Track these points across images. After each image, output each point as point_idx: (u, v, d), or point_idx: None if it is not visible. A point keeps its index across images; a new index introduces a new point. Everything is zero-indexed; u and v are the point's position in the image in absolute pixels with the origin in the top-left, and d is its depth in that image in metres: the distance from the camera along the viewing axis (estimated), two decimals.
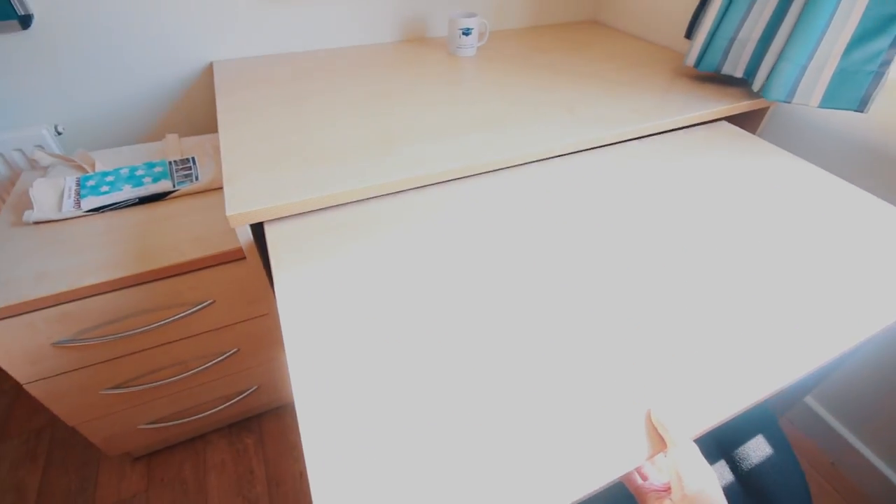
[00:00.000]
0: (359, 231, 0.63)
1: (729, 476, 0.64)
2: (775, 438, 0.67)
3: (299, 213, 0.66)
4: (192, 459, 1.06)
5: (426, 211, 0.67)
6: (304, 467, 1.03)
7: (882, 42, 0.77)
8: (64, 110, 1.00)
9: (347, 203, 0.68)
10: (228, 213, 0.61)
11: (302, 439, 0.41)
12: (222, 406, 1.00)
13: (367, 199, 0.69)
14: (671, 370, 0.46)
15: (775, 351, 0.48)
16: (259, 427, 1.12)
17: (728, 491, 0.63)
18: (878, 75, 0.79)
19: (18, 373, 0.75)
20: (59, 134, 1.01)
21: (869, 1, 0.75)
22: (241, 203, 0.63)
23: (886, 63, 0.78)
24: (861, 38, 0.78)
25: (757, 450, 0.65)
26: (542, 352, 0.48)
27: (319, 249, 0.60)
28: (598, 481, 0.38)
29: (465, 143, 0.76)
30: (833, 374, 1.01)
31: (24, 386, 0.77)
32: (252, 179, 0.67)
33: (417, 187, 0.72)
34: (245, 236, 0.66)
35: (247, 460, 1.06)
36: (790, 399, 1.02)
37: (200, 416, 0.99)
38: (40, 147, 0.98)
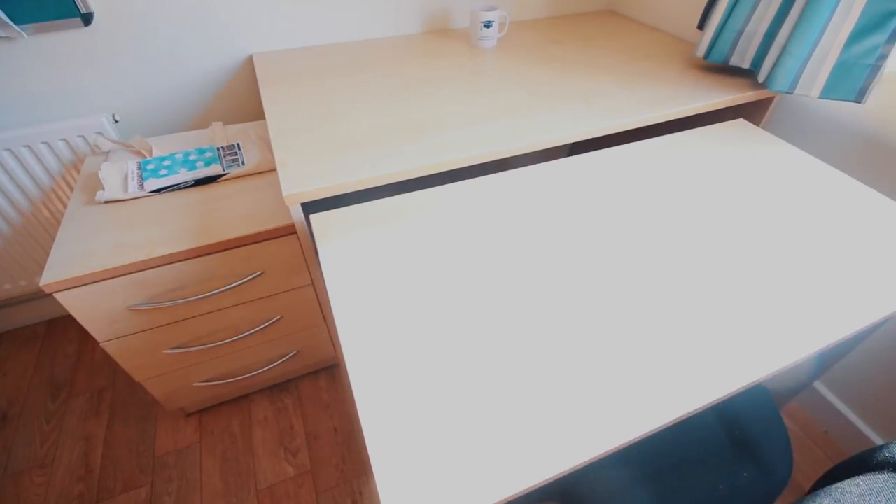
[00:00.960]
0: (391, 215, 0.72)
1: (720, 431, 0.73)
2: (763, 401, 0.75)
3: (340, 195, 0.75)
4: (239, 416, 1.18)
5: (452, 200, 0.76)
6: (338, 424, 1.15)
7: (879, 37, 0.82)
8: (120, 100, 1.10)
9: (381, 191, 0.77)
10: (284, 193, 0.70)
11: (350, 377, 0.50)
12: (265, 368, 1.11)
13: (400, 191, 0.78)
14: (693, 346, 0.55)
15: (779, 335, 0.56)
16: (297, 389, 1.23)
17: (717, 443, 0.72)
18: (876, 68, 0.84)
19: (98, 332, 0.86)
20: (117, 122, 1.11)
21: None
22: (294, 185, 0.72)
23: (883, 57, 0.83)
24: (860, 32, 0.83)
25: (746, 410, 0.73)
26: (564, 324, 0.57)
27: (357, 228, 0.69)
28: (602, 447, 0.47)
29: (488, 131, 0.84)
30: (839, 361, 1.08)
31: (101, 344, 0.88)
32: (300, 164, 0.76)
33: (443, 179, 0.80)
34: (297, 214, 0.75)
35: (287, 417, 1.18)
36: (798, 385, 1.09)
37: (247, 376, 1.10)
38: (100, 134, 1.08)
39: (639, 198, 0.75)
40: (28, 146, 1.04)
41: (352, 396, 1.19)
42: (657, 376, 0.51)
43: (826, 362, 0.87)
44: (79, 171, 1.11)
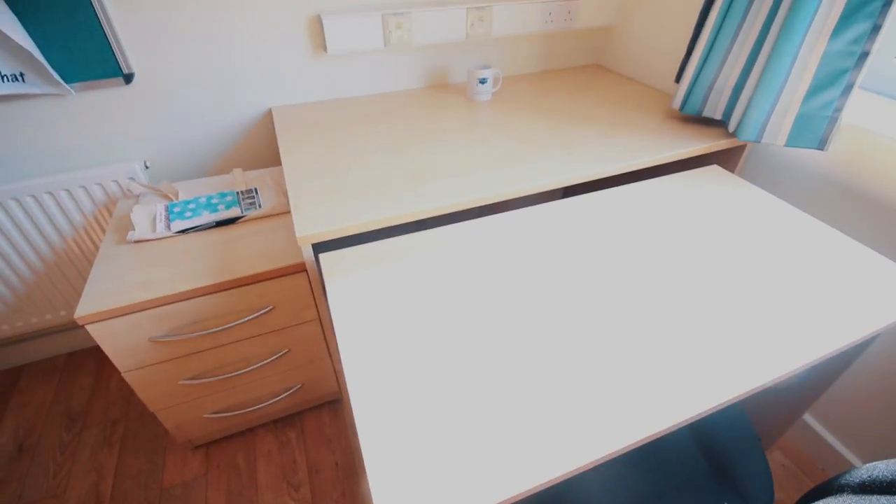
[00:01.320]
0: (394, 254, 0.79)
1: (702, 459, 0.77)
2: (743, 429, 0.79)
3: (347, 236, 0.83)
4: (244, 449, 1.21)
5: (451, 241, 0.83)
6: (339, 458, 1.18)
7: (834, 92, 0.92)
8: (151, 148, 1.21)
9: (385, 233, 0.85)
10: (298, 234, 0.78)
11: (352, 402, 0.56)
12: (271, 401, 1.16)
13: (403, 232, 0.86)
14: (662, 373, 0.61)
15: (750, 359, 0.62)
16: (300, 423, 1.27)
17: (699, 471, 0.76)
18: (833, 119, 0.93)
19: (121, 362, 0.93)
20: (147, 168, 1.22)
21: (821, 58, 0.90)
22: (306, 227, 0.80)
23: (839, 109, 0.92)
24: (816, 88, 0.93)
25: (725, 438, 0.77)
26: (555, 350, 0.63)
27: (363, 266, 0.76)
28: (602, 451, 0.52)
29: (484, 178, 0.93)
30: (823, 392, 1.12)
31: (123, 374, 0.94)
32: (312, 208, 0.85)
33: (442, 221, 0.88)
34: (308, 254, 0.83)
35: (290, 451, 1.21)
36: (784, 418, 1.11)
37: (254, 408, 1.15)
38: (132, 179, 1.18)
39: (626, 236, 0.82)
40: (67, 190, 1.14)
41: (353, 427, 1.23)
42: (640, 396, 0.56)
43: (807, 392, 0.91)
44: (110, 213, 1.21)
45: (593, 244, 0.81)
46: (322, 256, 0.78)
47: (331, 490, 1.13)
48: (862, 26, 0.86)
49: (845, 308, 0.68)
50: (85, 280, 1.30)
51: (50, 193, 1.14)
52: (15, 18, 0.96)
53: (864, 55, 0.87)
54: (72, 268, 1.26)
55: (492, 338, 0.64)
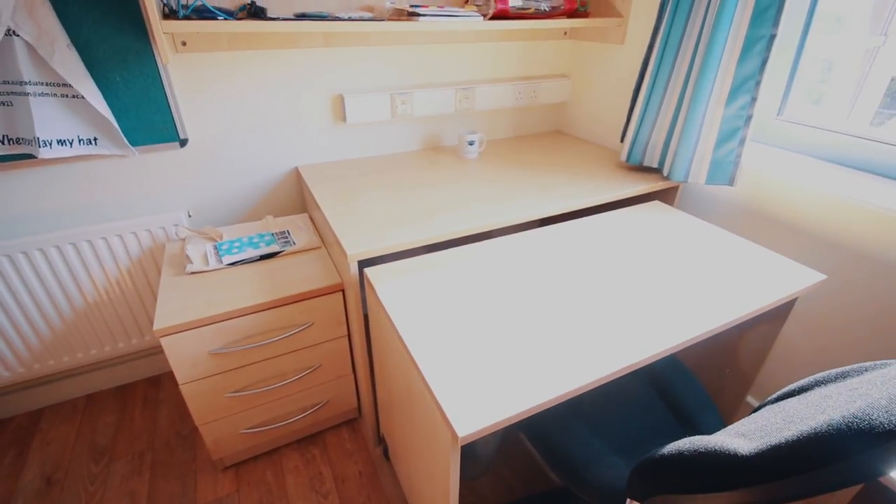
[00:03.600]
0: (421, 267, 1.02)
1: (659, 400, 0.98)
2: (685, 374, 1.03)
3: (380, 256, 1.05)
4: (272, 467, 1.31)
5: (461, 257, 1.07)
6: (362, 468, 1.30)
7: (734, 143, 1.26)
8: (194, 199, 1.41)
9: (403, 254, 1.08)
10: (349, 253, 1.00)
11: (414, 356, 0.76)
12: (299, 416, 1.29)
13: (418, 254, 1.09)
14: (619, 340, 0.84)
15: (681, 327, 0.87)
16: (322, 441, 1.39)
17: (668, 423, 0.97)
18: (736, 163, 1.27)
19: (182, 374, 1.07)
20: (190, 216, 1.42)
21: (721, 120, 1.25)
22: (352, 248, 1.02)
23: (739, 155, 1.26)
24: (721, 141, 1.27)
25: (676, 382, 1.00)
26: (543, 324, 0.86)
27: (399, 274, 0.98)
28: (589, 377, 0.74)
29: (478, 211, 1.19)
30: (757, 373, 1.37)
31: (180, 385, 1.08)
32: (354, 236, 1.07)
33: (447, 245, 1.12)
34: (354, 269, 1.04)
35: (315, 465, 1.32)
36: (734, 399, 1.35)
37: (284, 423, 1.27)
38: (177, 225, 1.37)
39: (593, 252, 1.09)
40: (119, 235, 1.32)
41: (373, 438, 1.35)
42: (606, 352, 0.79)
43: (744, 375, 1.16)
44: (153, 257, 1.38)
45: (568, 258, 1.06)
46: (367, 269, 1.00)
47: (357, 495, 1.24)
48: (745, 98, 1.22)
49: (752, 287, 0.95)
50: (121, 318, 1.42)
51: (104, 239, 1.31)
52: (99, 92, 1.19)
53: (749, 118, 1.23)
54: (111, 308, 1.39)
55: (496, 314, 0.86)
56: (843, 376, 0.73)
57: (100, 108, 1.18)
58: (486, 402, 0.68)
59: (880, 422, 0.45)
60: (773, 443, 0.51)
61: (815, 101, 1.30)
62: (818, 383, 0.75)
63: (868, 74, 1.20)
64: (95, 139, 1.23)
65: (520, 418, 0.67)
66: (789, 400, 0.74)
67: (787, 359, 1.34)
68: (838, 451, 0.46)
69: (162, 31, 1.03)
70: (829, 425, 0.48)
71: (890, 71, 1.16)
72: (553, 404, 0.70)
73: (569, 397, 0.71)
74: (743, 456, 0.53)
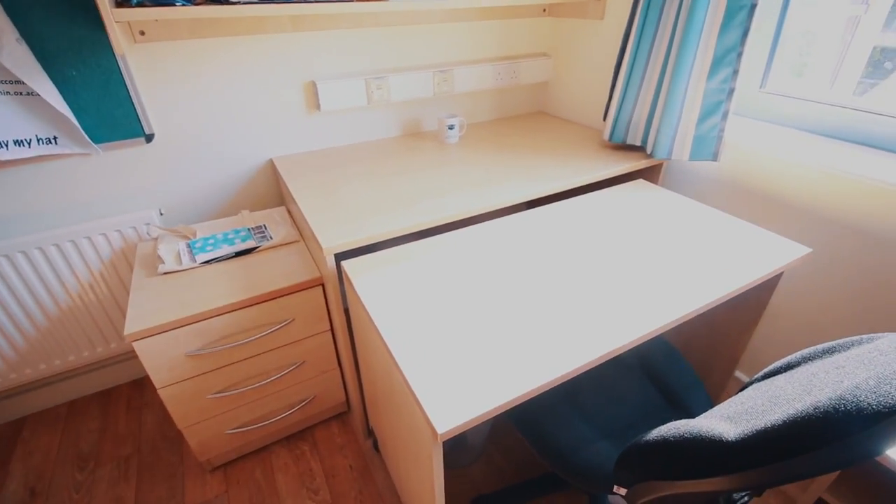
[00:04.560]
0: (401, 257, 0.99)
1: (648, 383, 0.97)
2: (672, 354, 1.02)
3: (358, 248, 1.02)
4: (261, 465, 1.29)
5: (443, 245, 1.04)
6: (352, 461, 1.29)
7: (716, 118, 1.24)
8: (166, 197, 1.36)
9: (385, 244, 1.05)
10: (325, 246, 0.97)
11: (393, 352, 0.73)
12: (286, 413, 1.27)
13: (399, 243, 1.06)
14: (609, 321, 0.82)
15: (667, 307, 0.85)
16: (312, 436, 1.37)
17: (656, 404, 0.96)
18: (719, 138, 1.25)
19: (158, 378, 1.04)
20: (162, 214, 1.37)
21: (703, 94, 1.22)
22: (329, 241, 0.99)
23: (722, 130, 1.24)
24: (704, 116, 1.25)
25: (663, 363, 0.99)
26: (528, 307, 0.83)
27: (376, 267, 0.95)
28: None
29: (460, 199, 1.16)
30: (744, 349, 1.37)
31: (158, 390, 1.05)
32: (331, 228, 1.04)
33: (428, 234, 1.09)
34: (331, 262, 1.01)
35: (305, 461, 1.30)
36: (723, 374, 1.35)
37: (271, 421, 1.25)
38: (149, 224, 1.32)
39: (580, 232, 1.06)
40: (88, 237, 1.27)
41: (363, 432, 1.34)
42: (594, 335, 0.77)
43: (732, 348, 1.15)
44: (126, 257, 1.33)
45: (552, 241, 1.04)
46: (344, 262, 0.96)
47: (348, 490, 1.22)
48: (726, 70, 1.19)
49: (738, 263, 0.93)
50: (97, 322, 1.38)
51: (72, 242, 1.26)
52: (55, 88, 1.13)
53: (732, 91, 1.20)
54: (85, 312, 1.35)
55: (479, 304, 0.83)
56: (830, 352, 0.72)
57: (57, 105, 1.12)
58: (468, 396, 0.66)
59: (868, 403, 0.43)
60: (759, 427, 0.50)
61: (798, 73, 1.27)
62: (805, 360, 0.73)
63: (850, 44, 1.18)
64: (55, 138, 1.17)
65: (501, 410, 0.65)
66: (776, 378, 0.73)
67: (775, 334, 1.33)
68: (826, 434, 0.44)
69: (114, 19, 0.97)
70: (815, 408, 0.46)
71: (871, 40, 1.14)
72: (536, 393, 0.68)
73: (553, 385, 0.70)
74: (728, 441, 0.52)
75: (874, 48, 1.14)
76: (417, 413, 0.69)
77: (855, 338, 0.70)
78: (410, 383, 0.68)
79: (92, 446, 1.36)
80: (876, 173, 1.03)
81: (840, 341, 0.73)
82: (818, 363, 0.69)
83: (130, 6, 1.01)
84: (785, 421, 0.48)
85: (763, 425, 0.50)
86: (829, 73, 1.22)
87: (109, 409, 1.48)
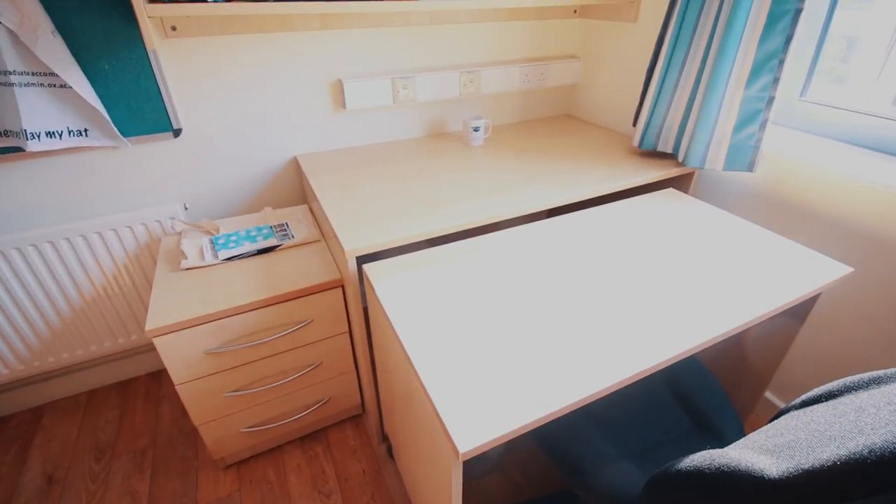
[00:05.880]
0: (423, 263, 0.97)
1: (675, 400, 0.94)
2: (701, 372, 0.97)
3: (382, 251, 1.00)
4: (274, 465, 1.29)
5: (465, 251, 1.02)
6: (366, 466, 1.28)
7: (754, 127, 1.19)
8: (191, 191, 1.37)
9: (409, 248, 1.03)
10: (346, 248, 0.95)
11: (414, 363, 0.71)
12: (301, 414, 1.26)
13: (422, 248, 1.04)
14: (637, 339, 0.79)
15: (703, 324, 0.81)
16: (326, 438, 1.36)
17: (683, 425, 0.92)
18: (756, 148, 1.20)
19: (177, 375, 1.04)
20: (186, 209, 1.38)
21: (741, 102, 1.18)
22: (351, 243, 0.97)
23: (759, 140, 1.19)
24: (741, 124, 1.20)
25: (691, 381, 0.95)
26: (550, 322, 0.80)
27: (398, 272, 0.93)
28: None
29: (484, 204, 1.13)
30: (777, 366, 1.32)
31: (176, 386, 1.05)
32: (353, 229, 1.02)
33: (450, 239, 1.07)
34: (352, 265, 0.99)
35: (318, 464, 1.29)
36: (753, 394, 1.29)
37: (285, 422, 1.24)
38: (173, 218, 1.33)
39: (601, 243, 1.03)
40: (114, 230, 1.28)
41: (377, 436, 1.32)
42: (621, 354, 0.73)
43: (765, 366, 1.10)
44: (150, 251, 1.34)
45: (579, 252, 1.00)
46: (366, 266, 0.95)
47: (360, 494, 1.21)
48: (767, 78, 1.14)
49: (775, 281, 0.89)
50: (119, 314, 1.40)
51: (98, 233, 1.27)
52: (87, 81, 1.14)
53: (771, 99, 1.15)
54: (108, 304, 1.37)
55: (502, 315, 0.81)
56: (877, 382, 0.67)
57: (89, 98, 1.13)
58: (491, 413, 0.63)
59: None
60: (807, 466, 0.46)
61: (839, 80, 1.21)
62: (848, 389, 0.69)
63: (892, 51, 1.12)
64: (86, 130, 1.19)
65: (526, 430, 0.63)
66: (816, 407, 0.68)
67: (810, 354, 1.28)
68: (882, 482, 0.41)
69: (146, 14, 0.98)
70: (870, 450, 0.43)
71: None
72: (562, 413, 0.66)
73: (579, 405, 0.67)
74: (771, 479, 0.48)
75: None
76: (438, 428, 0.66)
77: None
78: (432, 397, 0.65)
79: (110, 437, 1.38)
80: None
81: (887, 372, 0.68)
82: (864, 395, 0.65)
83: (164, 2, 1.01)
84: (836, 462, 0.45)
85: (811, 464, 0.46)
86: (872, 81, 1.16)
87: (128, 400, 1.49)
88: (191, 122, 1.29)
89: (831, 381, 1.04)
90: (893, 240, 1.05)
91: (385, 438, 1.34)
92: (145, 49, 1.17)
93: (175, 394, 1.51)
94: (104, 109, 1.17)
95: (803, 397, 0.74)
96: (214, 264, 1.15)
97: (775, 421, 0.70)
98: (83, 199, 1.27)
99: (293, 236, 1.25)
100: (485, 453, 1.26)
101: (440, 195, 1.17)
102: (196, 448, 1.34)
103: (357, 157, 1.44)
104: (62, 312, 1.32)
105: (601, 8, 1.61)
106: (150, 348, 1.56)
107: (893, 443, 0.43)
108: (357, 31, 1.38)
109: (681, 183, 1.39)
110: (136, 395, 1.51)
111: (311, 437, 1.36)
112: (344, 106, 1.43)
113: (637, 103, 1.54)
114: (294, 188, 1.51)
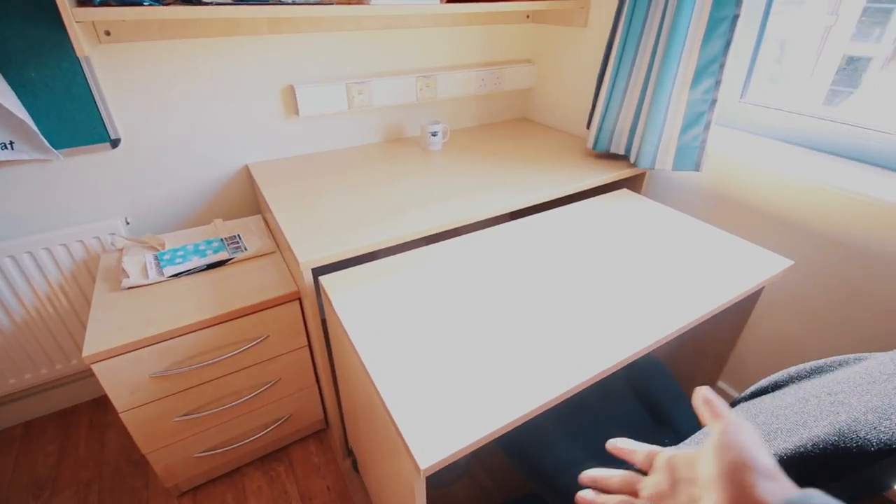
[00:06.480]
0: (382, 272, 0.95)
1: (633, 396, 0.96)
2: (656, 368, 1.00)
3: (336, 262, 0.97)
4: (233, 490, 1.23)
5: (425, 259, 1.00)
6: (330, 483, 1.24)
7: (699, 128, 1.23)
8: (133, 205, 1.29)
9: (365, 258, 1.01)
10: (301, 260, 0.92)
11: (374, 380, 0.69)
12: (261, 433, 1.21)
13: (381, 256, 1.02)
14: (597, 337, 0.80)
15: (657, 321, 0.83)
16: (287, 456, 1.31)
17: (643, 422, 0.94)
18: (702, 148, 1.25)
19: (120, 402, 0.97)
20: (128, 224, 1.29)
21: (686, 104, 1.22)
22: (306, 255, 0.94)
23: (704, 140, 1.24)
24: (686, 126, 1.24)
25: (648, 377, 0.97)
26: (513, 325, 0.80)
27: (356, 283, 0.91)
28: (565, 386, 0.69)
29: (444, 208, 1.12)
30: (727, 359, 1.37)
31: (120, 413, 0.98)
32: (308, 240, 0.99)
33: (409, 246, 1.05)
34: (308, 277, 0.96)
35: (280, 484, 1.24)
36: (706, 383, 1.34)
37: (243, 443, 1.19)
38: (114, 234, 1.25)
39: (564, 244, 1.04)
40: (47, 248, 1.19)
41: (341, 450, 1.28)
42: (581, 355, 0.74)
43: (717, 357, 1.15)
44: (89, 269, 1.26)
45: (536, 255, 1.01)
46: (322, 278, 0.92)
47: None
48: (709, 81, 1.19)
49: (723, 276, 0.92)
50: (56, 339, 1.30)
51: (29, 253, 1.17)
52: (10, 90, 1.05)
53: (714, 101, 1.20)
54: (43, 328, 1.27)
55: (462, 323, 0.80)
56: (818, 371, 0.70)
57: (13, 109, 1.04)
58: (452, 424, 0.62)
59: (869, 440, 0.41)
60: None
61: (773, 81, 1.28)
62: (792, 379, 0.72)
63: (821, 52, 1.19)
64: (11, 143, 1.10)
65: (489, 439, 0.62)
66: (763, 399, 0.71)
67: (758, 344, 1.34)
68: (827, 472, 0.42)
69: (74, 19, 0.91)
70: (813, 443, 0.44)
71: (841, 49, 1.15)
72: (525, 419, 0.65)
73: (543, 410, 0.67)
74: None
75: (844, 57, 1.15)
76: (399, 444, 0.64)
77: (842, 357, 0.69)
78: (392, 412, 0.64)
79: (50, 470, 1.27)
80: (852, 185, 1.03)
81: (827, 360, 0.72)
82: (807, 385, 0.68)
83: (93, 5, 0.94)
84: (782, 457, 0.46)
85: None
86: (804, 82, 1.24)
87: (69, 431, 1.39)
88: (130, 132, 1.22)
89: (778, 369, 1.09)
90: (829, 233, 1.11)
91: (350, 453, 1.30)
92: (76, 56, 1.09)
93: (122, 421, 1.42)
94: (31, 120, 1.08)
95: (752, 388, 0.77)
96: (159, 282, 1.09)
97: None
98: (11, 216, 1.17)
99: (246, 248, 1.20)
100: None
101: (399, 202, 1.15)
102: (147, 477, 1.26)
103: (312, 164, 1.40)
104: None
105: (552, 13, 1.64)
106: (92, 374, 1.45)
107: (833, 435, 0.44)
108: (308, 35, 1.34)
109: (633, 183, 1.43)
110: (79, 424, 1.41)
111: (271, 457, 1.31)
112: (297, 112, 1.39)
113: (590, 106, 1.57)
114: (246, 198, 1.45)
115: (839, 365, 0.69)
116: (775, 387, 0.74)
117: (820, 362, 0.71)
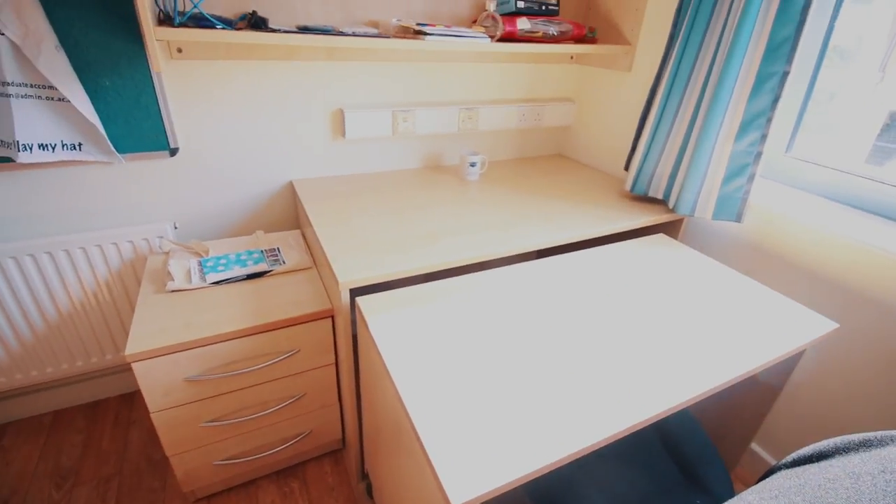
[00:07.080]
0: (418, 298, 0.96)
1: (665, 451, 0.93)
2: (690, 425, 0.97)
3: (378, 283, 0.99)
4: (246, 501, 1.23)
5: (458, 289, 1.02)
6: (343, 503, 1.22)
7: (742, 180, 1.23)
8: (182, 211, 1.35)
9: (403, 282, 1.02)
10: (340, 280, 0.94)
11: (407, 406, 0.70)
12: (280, 447, 1.21)
13: (416, 283, 1.03)
14: (630, 393, 0.79)
15: (692, 377, 0.82)
16: (303, 473, 1.31)
17: (672, 477, 0.91)
18: (744, 200, 1.24)
19: (153, 402, 0.99)
20: (176, 228, 1.35)
21: (730, 155, 1.22)
22: (345, 275, 0.96)
23: (747, 192, 1.23)
24: (729, 177, 1.24)
25: (681, 433, 0.94)
26: (543, 367, 0.80)
27: (393, 307, 0.92)
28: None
29: (479, 239, 1.14)
30: (763, 419, 1.32)
31: (152, 414, 1.00)
32: (348, 260, 1.01)
33: (443, 275, 1.06)
34: (346, 297, 0.98)
35: (293, 500, 1.24)
36: (739, 445, 1.29)
37: (262, 455, 1.19)
38: (162, 237, 1.30)
39: (594, 290, 1.03)
40: (99, 245, 1.25)
41: (356, 473, 1.28)
42: (615, 405, 0.73)
43: (751, 419, 1.11)
44: (134, 269, 1.31)
45: (572, 295, 1.01)
46: (360, 299, 0.93)
47: None
48: (755, 134, 1.19)
49: (763, 334, 0.90)
50: (95, 332, 1.34)
51: (82, 249, 1.24)
52: (87, 97, 1.13)
53: (759, 154, 1.19)
54: (85, 321, 1.32)
55: (496, 359, 0.80)
56: (866, 445, 0.67)
57: (86, 113, 1.12)
58: (484, 463, 0.62)
59: None
60: None
61: (819, 131, 1.27)
62: (839, 451, 0.69)
63: (867, 109, 1.18)
64: (80, 144, 1.17)
65: (521, 482, 0.61)
66: (808, 469, 0.68)
67: (796, 408, 1.28)
68: None
69: (155, 37, 0.98)
70: None
71: (888, 105, 1.13)
72: (558, 465, 0.64)
73: (577, 457, 0.66)
74: None
75: (889, 113, 1.14)
76: (428, 474, 0.64)
77: (893, 432, 0.66)
78: (423, 441, 0.64)
79: (73, 462, 1.30)
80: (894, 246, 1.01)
81: (877, 434, 0.68)
82: (855, 459, 0.65)
83: (173, 26, 1.02)
84: None
85: None
86: (851, 138, 1.22)
87: (96, 423, 1.42)
88: (188, 142, 1.29)
89: (815, 435, 1.05)
90: (874, 296, 1.08)
91: (365, 476, 1.29)
92: (149, 69, 1.17)
93: (145, 419, 1.45)
94: (101, 125, 1.15)
95: (793, 456, 0.74)
96: (201, 287, 1.12)
97: (767, 480, 0.70)
98: (71, 213, 1.24)
99: (284, 262, 1.24)
100: None
101: (434, 228, 1.18)
102: (165, 479, 1.27)
103: (353, 184, 1.45)
104: (36, 328, 1.27)
105: (597, 56, 1.67)
106: (123, 369, 1.50)
107: None
108: (361, 63, 1.41)
109: (670, 228, 1.42)
110: (105, 418, 1.44)
111: (287, 472, 1.31)
112: (343, 134, 1.45)
113: (629, 148, 1.58)
114: (288, 213, 1.50)
115: (891, 440, 0.66)
116: (820, 456, 0.71)
117: (869, 435, 0.68)
